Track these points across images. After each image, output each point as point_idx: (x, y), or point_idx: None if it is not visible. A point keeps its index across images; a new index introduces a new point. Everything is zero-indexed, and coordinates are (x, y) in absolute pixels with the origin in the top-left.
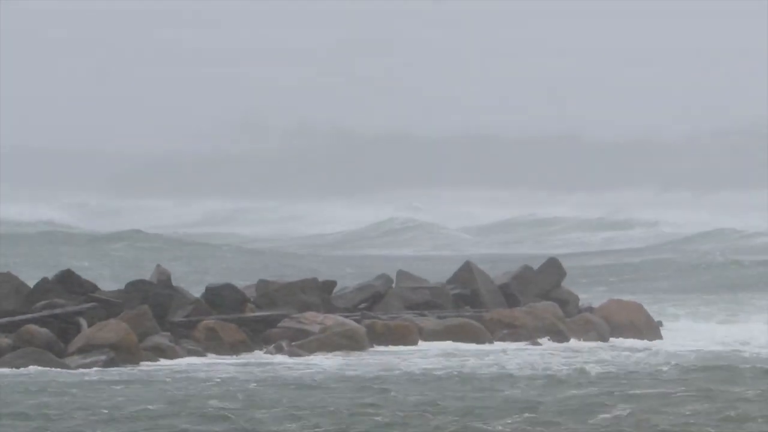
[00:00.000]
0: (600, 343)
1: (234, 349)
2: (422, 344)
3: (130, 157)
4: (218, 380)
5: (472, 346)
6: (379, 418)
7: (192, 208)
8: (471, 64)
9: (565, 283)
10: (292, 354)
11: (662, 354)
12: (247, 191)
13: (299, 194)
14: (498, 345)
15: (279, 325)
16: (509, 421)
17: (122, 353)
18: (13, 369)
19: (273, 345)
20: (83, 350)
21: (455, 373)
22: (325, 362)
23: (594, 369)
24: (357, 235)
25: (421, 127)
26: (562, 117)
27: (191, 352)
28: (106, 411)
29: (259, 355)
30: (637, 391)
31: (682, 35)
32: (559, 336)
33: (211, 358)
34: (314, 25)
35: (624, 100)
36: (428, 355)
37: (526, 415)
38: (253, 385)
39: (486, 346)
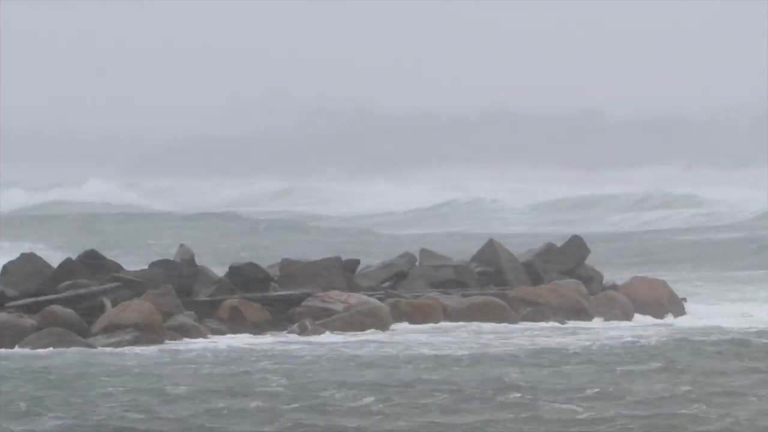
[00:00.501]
0: (640, 320)
1: (258, 328)
2: (458, 323)
3: (150, 138)
4: (267, 358)
5: (512, 326)
6: (443, 395)
7: (236, 189)
8: (492, 43)
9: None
10: (316, 333)
11: (715, 329)
12: (275, 171)
13: (332, 174)
14: (526, 324)
15: (303, 304)
16: (575, 397)
17: (146, 333)
18: (40, 349)
19: (297, 324)
20: (107, 330)
21: (506, 350)
22: (365, 340)
23: (646, 342)
24: (428, 213)
25: (445, 107)
26: (584, 95)
27: (215, 332)
28: (168, 389)
29: (285, 334)
30: (689, 363)
31: (704, 11)
32: (583, 314)
33: (239, 337)
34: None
35: (645, 78)
36: (470, 333)
37: (592, 390)
38: (305, 362)
39: (525, 325)
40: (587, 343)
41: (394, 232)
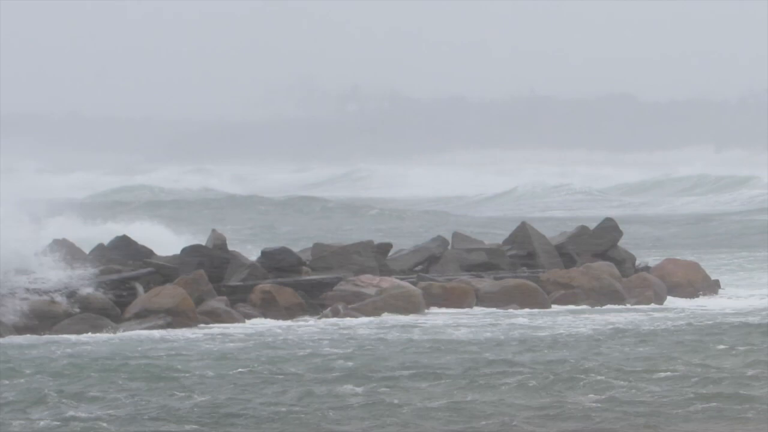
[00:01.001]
0: (675, 302)
1: (290, 312)
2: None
3: (186, 123)
4: (320, 340)
5: (573, 307)
6: (518, 376)
7: (285, 174)
8: (520, 27)
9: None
10: (348, 316)
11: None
12: (316, 156)
13: (372, 158)
14: (566, 308)
15: (335, 288)
16: (655, 377)
17: (179, 318)
18: (74, 335)
19: (329, 308)
20: (140, 315)
21: (569, 332)
22: (415, 323)
23: (703, 323)
24: (499, 197)
25: (475, 91)
26: (615, 77)
27: (248, 316)
28: (244, 371)
29: (317, 318)
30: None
31: None
32: (616, 296)
33: (277, 321)
34: None
35: (676, 61)
36: (522, 316)
37: (665, 371)
38: (370, 342)
39: (575, 308)
40: (651, 325)
41: (471, 215)
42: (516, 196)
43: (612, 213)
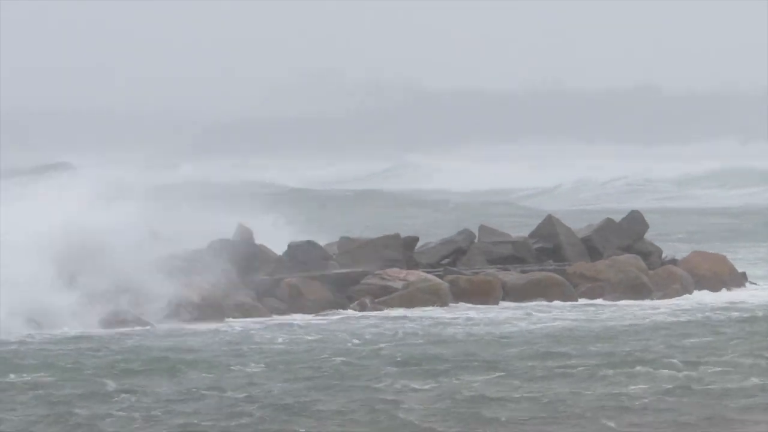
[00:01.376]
0: (702, 294)
1: (318, 306)
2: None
3: (200, 120)
4: (361, 334)
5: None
6: (577, 368)
7: (319, 169)
8: (541, 19)
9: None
10: (375, 310)
11: None
12: (347, 150)
13: (404, 152)
14: (594, 301)
15: (362, 281)
16: (708, 369)
17: (207, 311)
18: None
19: (356, 302)
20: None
21: (609, 325)
22: (443, 318)
23: (749, 315)
24: (552, 191)
25: (494, 82)
26: (640, 69)
27: (274, 310)
28: (296, 364)
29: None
30: None
31: None
32: (642, 289)
33: (306, 315)
34: None
35: (698, 53)
36: (561, 308)
37: (717, 367)
38: (414, 336)
39: (603, 302)
40: (688, 317)
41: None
42: (566, 189)
43: (662, 206)
